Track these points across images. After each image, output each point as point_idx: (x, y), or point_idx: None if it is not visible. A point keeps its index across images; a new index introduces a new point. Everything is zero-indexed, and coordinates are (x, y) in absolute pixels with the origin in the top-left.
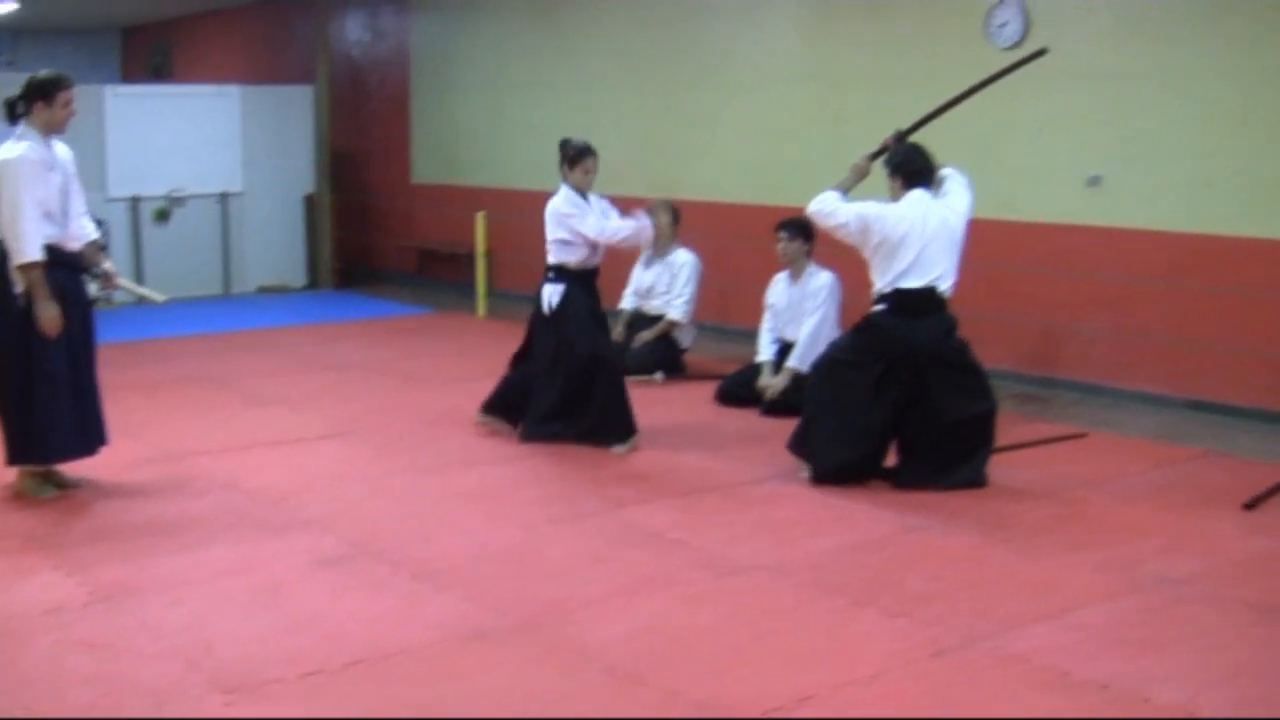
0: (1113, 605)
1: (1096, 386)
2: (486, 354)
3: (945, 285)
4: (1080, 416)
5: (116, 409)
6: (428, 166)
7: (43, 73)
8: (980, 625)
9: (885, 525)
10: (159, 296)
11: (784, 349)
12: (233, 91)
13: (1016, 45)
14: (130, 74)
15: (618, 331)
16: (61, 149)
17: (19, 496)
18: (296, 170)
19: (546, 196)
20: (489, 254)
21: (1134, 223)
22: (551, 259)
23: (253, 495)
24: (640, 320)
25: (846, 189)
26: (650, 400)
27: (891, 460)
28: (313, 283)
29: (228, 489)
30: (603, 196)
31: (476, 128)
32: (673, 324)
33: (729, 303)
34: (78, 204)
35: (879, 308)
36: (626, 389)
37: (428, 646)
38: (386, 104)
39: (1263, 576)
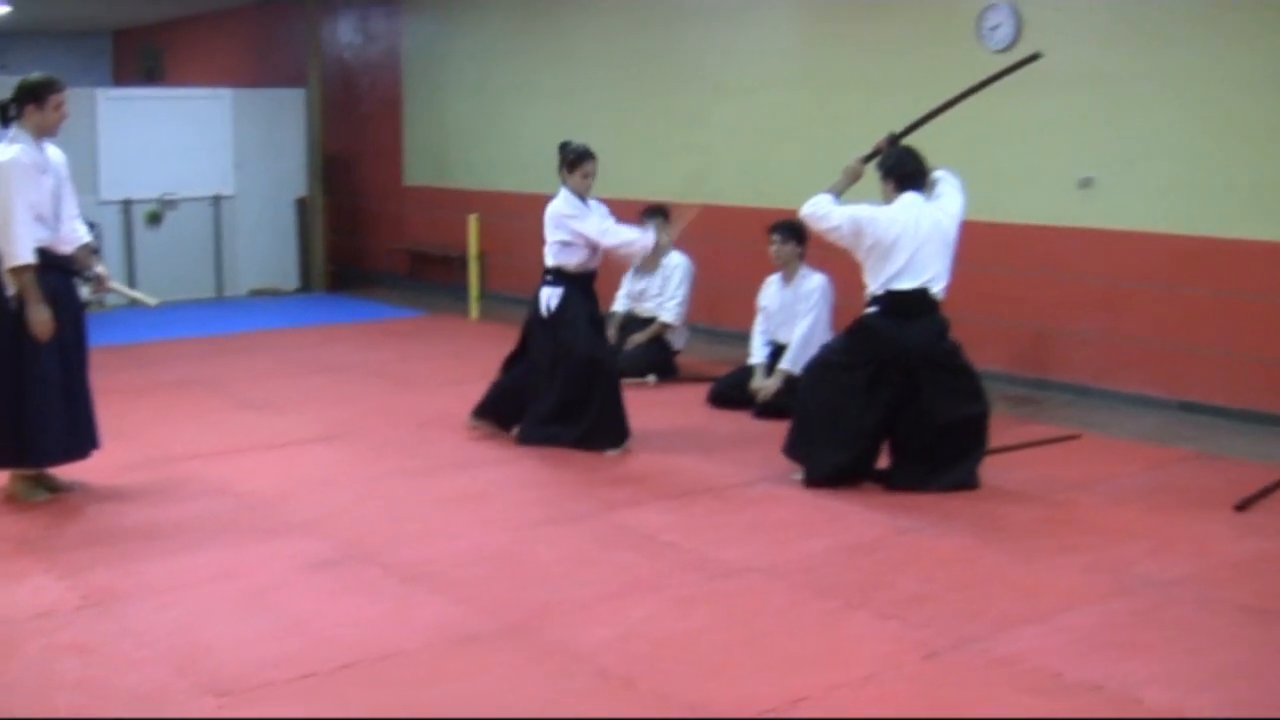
0: (1104, 607)
1: (1088, 388)
2: (479, 357)
3: (938, 287)
4: (1072, 418)
5: (109, 412)
6: (420, 169)
7: (34, 76)
8: (972, 627)
9: (877, 527)
10: (151, 300)
11: (776, 351)
12: (225, 94)
13: (1009, 48)
14: (122, 77)
15: (610, 334)
16: (54, 152)
17: (10, 500)
18: (288, 173)
19: (539, 199)
20: (481, 256)
21: (1126, 225)
22: (550, 261)
23: (244, 499)
24: (633, 323)
25: (839, 192)
26: (643, 403)
27: (883, 462)
28: (305, 286)
29: (219, 493)
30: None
31: (468, 130)
32: (665, 326)
33: (721, 305)
34: (70, 207)
35: (871, 310)
36: (622, 393)
37: (419, 649)
38: (378, 107)
39: (1254, 578)
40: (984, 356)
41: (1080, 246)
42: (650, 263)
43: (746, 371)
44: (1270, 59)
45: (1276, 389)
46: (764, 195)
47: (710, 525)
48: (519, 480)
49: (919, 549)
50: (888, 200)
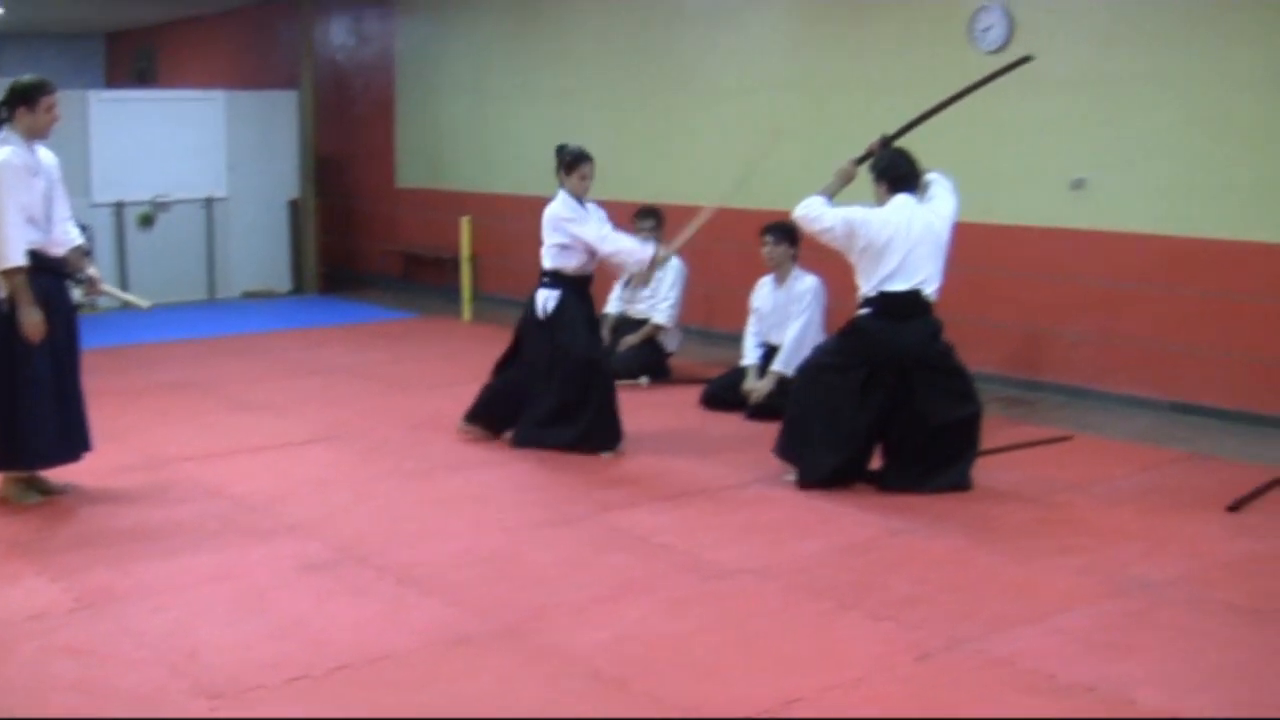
0: (1097, 608)
1: (1081, 389)
2: (472, 358)
3: (930, 289)
4: (1065, 419)
5: (101, 414)
6: (412, 171)
7: (26, 78)
8: (965, 628)
9: (870, 528)
10: (143, 302)
11: (769, 353)
12: (217, 96)
13: (1000, 49)
14: (115, 79)
15: (603, 335)
16: (45, 154)
17: (3, 502)
18: (281, 175)
19: (531, 201)
20: (474, 258)
21: (1118, 226)
22: (548, 264)
23: (238, 501)
24: (625, 324)
25: (832, 194)
26: (635, 404)
27: (876, 463)
28: (297, 288)
29: (213, 494)
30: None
31: (461, 132)
32: (658, 328)
33: (714, 307)
34: (61, 209)
35: (864, 311)
36: (617, 396)
37: (412, 652)
38: (371, 109)
39: (1247, 579)
40: (977, 358)
41: (1073, 247)
42: (643, 276)
43: (739, 373)
44: (1263, 59)
45: (1268, 389)
46: (756, 197)
47: (704, 527)
48: (513, 482)
49: (912, 550)
50: (880, 202)
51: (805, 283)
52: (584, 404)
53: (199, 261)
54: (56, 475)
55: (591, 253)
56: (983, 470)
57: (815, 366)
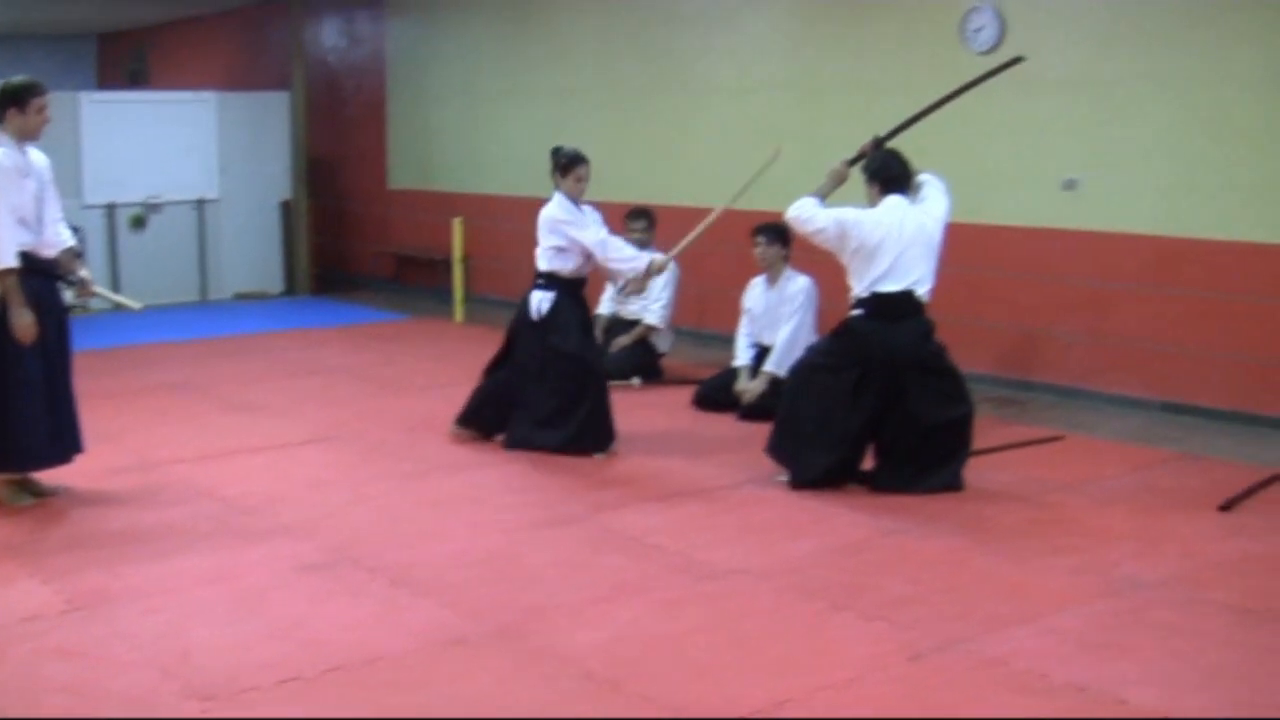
0: (1090, 608)
1: (1073, 389)
2: (464, 359)
3: (923, 290)
4: (1057, 419)
5: (93, 416)
6: (404, 172)
7: (16, 79)
8: (957, 628)
9: (863, 529)
10: (135, 304)
11: (761, 353)
12: (209, 98)
13: (992, 50)
14: (106, 80)
15: (595, 336)
16: (37, 156)
17: None
18: (273, 177)
19: (523, 202)
20: (466, 260)
21: (1110, 226)
22: (543, 266)
23: (231, 502)
24: (617, 325)
25: (824, 195)
26: (628, 405)
27: (868, 464)
28: (290, 289)
29: (206, 496)
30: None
31: (452, 133)
32: (650, 329)
33: (706, 307)
34: (53, 211)
35: (856, 312)
36: (610, 397)
37: (407, 653)
38: (362, 110)
39: (1239, 578)
40: (969, 358)
41: (1065, 248)
42: (638, 284)
43: (731, 374)
44: (1259, 59)
45: (1260, 389)
46: (749, 198)
47: (697, 527)
48: (507, 483)
49: (905, 550)
50: (872, 203)
51: (797, 283)
52: (577, 405)
53: (191, 263)
54: (49, 477)
55: (587, 256)
56: (975, 471)
57: (807, 367)
